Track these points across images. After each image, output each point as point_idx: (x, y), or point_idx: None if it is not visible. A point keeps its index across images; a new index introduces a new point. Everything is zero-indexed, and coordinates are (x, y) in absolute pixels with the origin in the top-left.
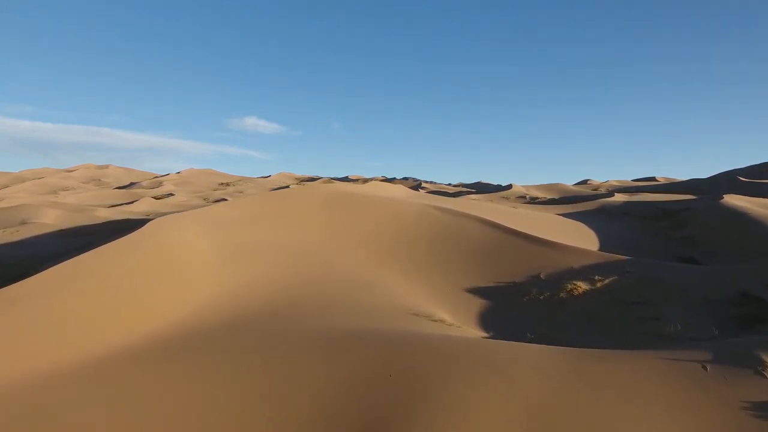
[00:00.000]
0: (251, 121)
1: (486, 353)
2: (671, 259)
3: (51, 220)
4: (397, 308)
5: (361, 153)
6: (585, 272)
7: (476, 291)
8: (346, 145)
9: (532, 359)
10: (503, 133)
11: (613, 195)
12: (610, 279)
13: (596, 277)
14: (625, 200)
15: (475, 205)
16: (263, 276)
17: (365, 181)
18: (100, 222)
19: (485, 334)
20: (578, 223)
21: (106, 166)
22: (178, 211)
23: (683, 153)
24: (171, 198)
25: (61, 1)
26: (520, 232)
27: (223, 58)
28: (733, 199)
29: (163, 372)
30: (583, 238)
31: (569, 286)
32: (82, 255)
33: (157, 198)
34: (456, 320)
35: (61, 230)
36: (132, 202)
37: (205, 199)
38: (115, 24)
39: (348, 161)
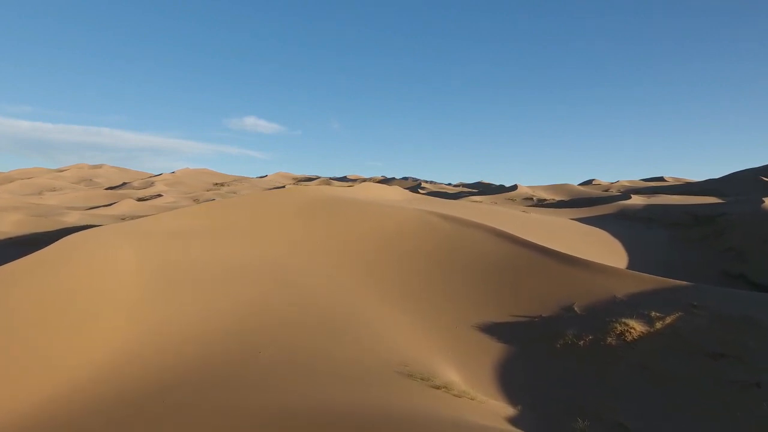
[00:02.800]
0: (251, 121)
1: None
2: (718, 278)
3: (7, 226)
4: (382, 363)
5: (361, 153)
6: (635, 305)
7: (490, 329)
8: (345, 144)
9: None
10: (503, 132)
11: (630, 197)
12: (673, 317)
13: (653, 314)
14: (645, 203)
15: (481, 210)
16: (198, 314)
17: (363, 181)
18: (58, 229)
19: (512, 411)
20: (600, 230)
21: (100, 166)
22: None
23: (683, 152)
24: (158, 199)
25: (61, 1)
26: (543, 246)
27: (223, 58)
28: None
29: None
30: (611, 252)
31: (619, 327)
32: None
33: (141, 200)
34: (465, 379)
35: (10, 239)
36: (111, 204)
37: (195, 200)
38: (115, 24)
39: (348, 161)
